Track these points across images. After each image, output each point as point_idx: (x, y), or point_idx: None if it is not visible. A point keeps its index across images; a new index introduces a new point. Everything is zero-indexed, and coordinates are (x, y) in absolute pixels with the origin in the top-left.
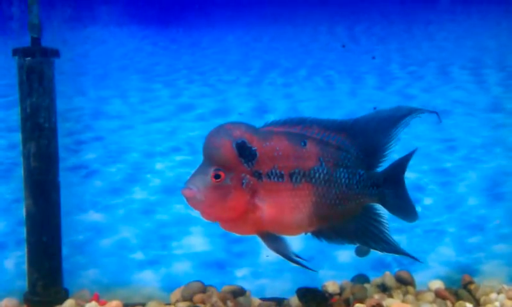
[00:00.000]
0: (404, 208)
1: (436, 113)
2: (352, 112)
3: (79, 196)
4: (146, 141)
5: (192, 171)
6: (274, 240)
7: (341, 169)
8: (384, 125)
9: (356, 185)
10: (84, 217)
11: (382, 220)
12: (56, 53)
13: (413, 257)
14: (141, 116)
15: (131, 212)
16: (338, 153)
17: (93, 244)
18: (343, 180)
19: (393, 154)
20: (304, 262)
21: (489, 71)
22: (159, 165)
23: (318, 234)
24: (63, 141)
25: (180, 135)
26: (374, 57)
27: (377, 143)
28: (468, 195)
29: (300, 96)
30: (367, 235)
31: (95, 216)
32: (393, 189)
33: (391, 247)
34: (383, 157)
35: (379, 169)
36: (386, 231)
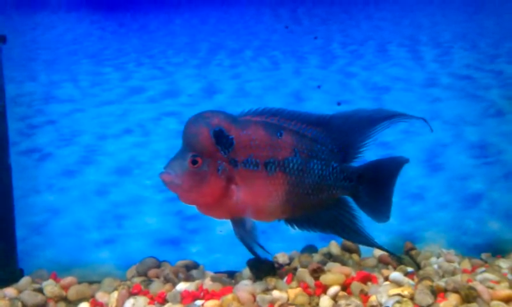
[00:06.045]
0: (375, 209)
1: (424, 119)
2: (297, 91)
3: (34, 179)
4: (98, 123)
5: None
6: (244, 227)
7: (315, 161)
8: (363, 123)
9: (329, 176)
10: (39, 199)
11: (355, 213)
12: (2, 38)
13: (383, 248)
14: (92, 99)
15: (86, 193)
16: (313, 145)
17: (49, 225)
18: (316, 171)
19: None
20: (263, 252)
21: (425, 48)
22: (111, 147)
23: (291, 221)
24: (15, 125)
25: (131, 117)
26: (316, 38)
27: (353, 140)
28: (408, 166)
29: (247, 76)
30: (339, 225)
31: (50, 198)
32: (367, 187)
33: (361, 239)
34: (358, 153)
35: (356, 165)
36: (358, 223)
